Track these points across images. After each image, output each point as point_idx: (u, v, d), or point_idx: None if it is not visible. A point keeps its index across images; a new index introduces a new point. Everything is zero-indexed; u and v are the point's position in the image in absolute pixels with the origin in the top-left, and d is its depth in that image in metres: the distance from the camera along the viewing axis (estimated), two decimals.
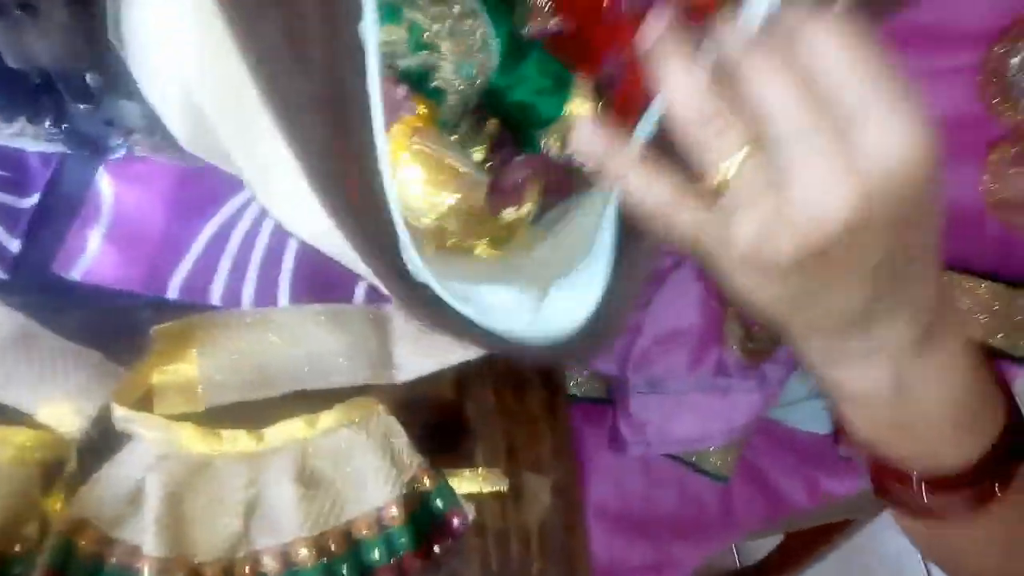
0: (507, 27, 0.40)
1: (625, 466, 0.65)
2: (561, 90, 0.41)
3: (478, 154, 0.41)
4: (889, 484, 0.37)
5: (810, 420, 0.66)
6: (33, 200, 0.47)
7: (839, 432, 0.38)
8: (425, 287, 0.31)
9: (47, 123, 0.48)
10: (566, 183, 0.41)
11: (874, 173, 0.25)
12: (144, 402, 0.43)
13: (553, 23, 0.41)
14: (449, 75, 0.39)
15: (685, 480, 0.66)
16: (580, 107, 0.41)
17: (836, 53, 0.25)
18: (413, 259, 0.30)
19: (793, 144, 0.26)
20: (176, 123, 0.37)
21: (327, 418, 0.43)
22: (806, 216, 0.26)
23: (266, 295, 0.45)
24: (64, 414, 0.40)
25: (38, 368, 0.41)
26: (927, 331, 0.32)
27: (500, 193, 0.39)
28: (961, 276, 0.51)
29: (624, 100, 0.42)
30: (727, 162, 0.27)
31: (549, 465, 0.48)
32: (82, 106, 0.45)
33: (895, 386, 0.33)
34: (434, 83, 0.39)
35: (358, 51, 0.27)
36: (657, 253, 0.35)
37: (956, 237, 0.46)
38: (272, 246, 0.46)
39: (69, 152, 0.48)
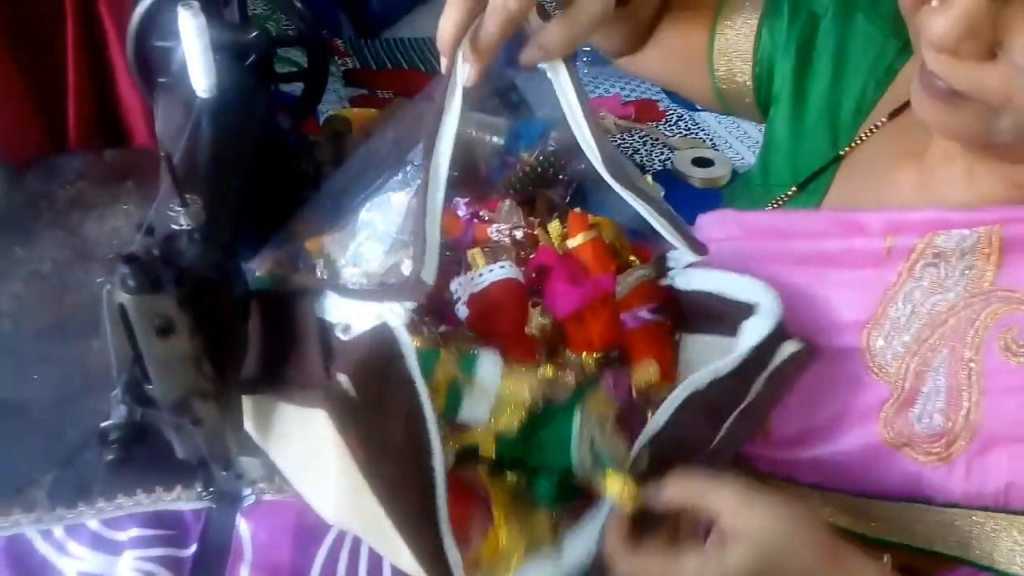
0: None
1: None
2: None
3: None
4: None
5: None
6: (192, 549, 0.61)
7: None
8: None
9: (198, 488, 0.64)
10: None
11: None
12: None
13: None
14: None
15: None
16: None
17: None
18: None
19: None
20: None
21: None
22: None
23: None
24: None
25: None
26: None
27: None
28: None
29: None
30: None
31: None
32: (224, 472, 0.61)
33: None
34: None
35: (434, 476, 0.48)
36: None
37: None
38: (372, 559, 0.60)
39: (214, 506, 0.64)
